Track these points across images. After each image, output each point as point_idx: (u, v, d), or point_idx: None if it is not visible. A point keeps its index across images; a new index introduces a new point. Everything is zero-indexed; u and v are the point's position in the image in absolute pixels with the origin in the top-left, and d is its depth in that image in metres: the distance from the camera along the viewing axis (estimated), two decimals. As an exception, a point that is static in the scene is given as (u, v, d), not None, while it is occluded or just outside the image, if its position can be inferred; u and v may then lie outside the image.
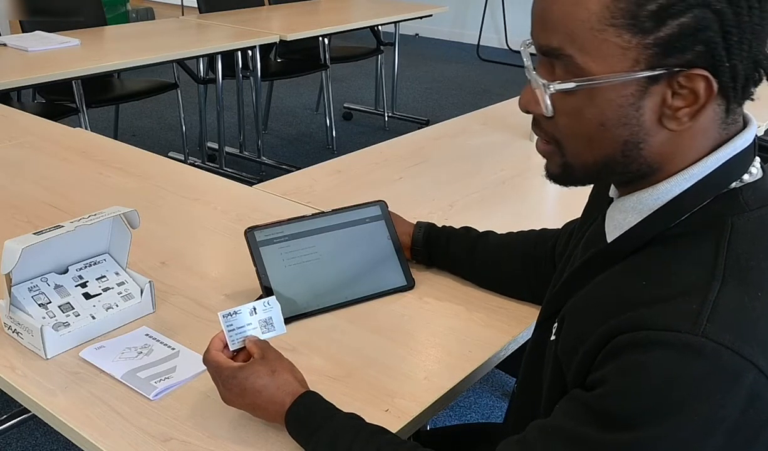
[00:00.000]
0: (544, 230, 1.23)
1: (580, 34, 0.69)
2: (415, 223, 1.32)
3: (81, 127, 3.00)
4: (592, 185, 0.95)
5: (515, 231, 1.26)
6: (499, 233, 1.27)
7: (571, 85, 0.71)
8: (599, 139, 0.73)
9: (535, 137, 0.81)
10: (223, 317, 0.95)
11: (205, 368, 1.05)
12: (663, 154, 0.73)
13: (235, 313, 0.96)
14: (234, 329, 0.95)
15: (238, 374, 0.92)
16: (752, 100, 0.73)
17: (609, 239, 0.80)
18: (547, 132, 0.78)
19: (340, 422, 0.89)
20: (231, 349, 0.96)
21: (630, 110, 0.71)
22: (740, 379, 0.62)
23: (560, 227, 1.19)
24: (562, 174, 0.79)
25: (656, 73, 0.68)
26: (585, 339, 0.72)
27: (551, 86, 0.73)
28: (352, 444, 0.85)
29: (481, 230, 1.28)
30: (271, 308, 0.98)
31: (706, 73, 0.68)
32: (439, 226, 1.30)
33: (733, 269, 0.68)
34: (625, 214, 0.78)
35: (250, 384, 0.91)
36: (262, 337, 0.97)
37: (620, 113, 0.71)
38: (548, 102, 0.74)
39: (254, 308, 0.97)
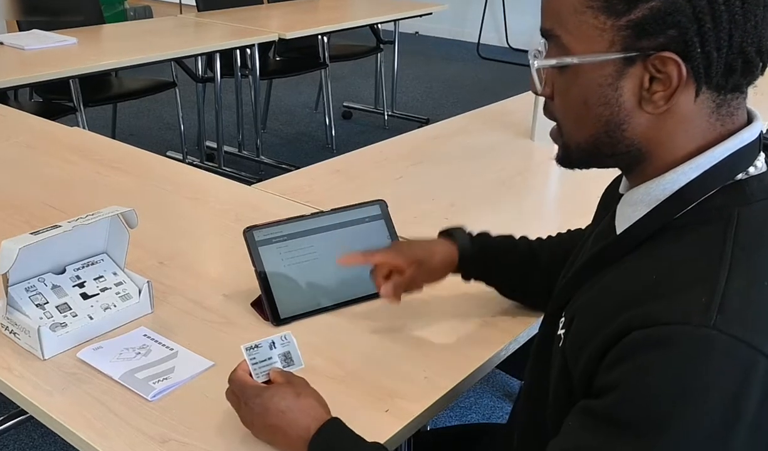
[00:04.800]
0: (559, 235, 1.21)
1: (566, 16, 0.75)
2: (439, 237, 1.19)
3: (78, 126, 3.00)
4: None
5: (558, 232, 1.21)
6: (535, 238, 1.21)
7: (552, 62, 0.77)
8: (584, 118, 0.77)
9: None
10: (247, 350, 0.95)
11: (204, 368, 1.06)
12: (649, 138, 0.75)
13: (257, 346, 0.96)
14: (257, 363, 0.95)
15: (263, 393, 0.91)
16: (741, 92, 0.74)
17: (618, 232, 0.81)
18: (551, 114, 0.83)
19: None
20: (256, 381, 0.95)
21: (609, 90, 0.74)
22: (753, 370, 0.63)
23: (562, 226, 1.19)
24: (563, 156, 0.83)
25: (630, 55, 0.72)
26: (594, 335, 0.72)
27: (535, 62, 0.80)
28: None
29: (484, 230, 1.26)
30: (288, 342, 0.98)
31: (675, 56, 0.70)
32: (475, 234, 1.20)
33: (740, 258, 0.68)
34: (633, 207, 0.79)
35: (274, 404, 0.90)
36: None
37: (600, 93, 0.75)
38: (535, 77, 0.81)
39: (273, 342, 0.97)
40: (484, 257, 1.17)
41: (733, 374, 0.63)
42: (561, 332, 0.82)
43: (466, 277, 1.19)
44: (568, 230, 1.20)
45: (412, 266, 1.13)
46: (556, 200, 1.78)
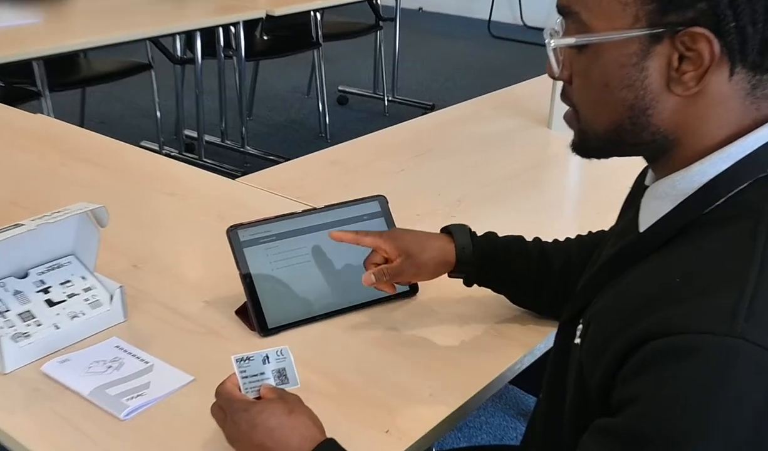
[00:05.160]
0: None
1: None
2: (441, 232, 1.20)
3: (43, 113, 3.00)
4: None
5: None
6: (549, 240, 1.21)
7: (571, 40, 0.78)
8: (605, 102, 0.78)
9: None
10: (237, 361, 0.95)
11: (183, 383, 1.06)
12: (678, 124, 0.76)
13: (249, 359, 0.96)
14: (248, 377, 0.95)
15: (251, 408, 0.91)
16: None
17: (641, 229, 0.81)
18: (569, 98, 0.83)
19: None
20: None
21: (633, 71, 0.75)
22: None
23: (583, 226, 1.19)
24: (580, 143, 0.84)
25: (656, 31, 0.72)
26: (612, 342, 0.72)
27: (552, 42, 0.80)
28: None
29: (490, 229, 1.26)
30: (284, 358, 0.98)
31: (706, 32, 0.70)
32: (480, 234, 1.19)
33: None
34: (659, 201, 0.80)
35: (262, 420, 0.89)
36: None
37: (623, 74, 0.75)
38: (552, 59, 0.81)
39: (267, 356, 0.98)
40: (489, 261, 1.16)
41: (761, 388, 0.63)
42: (578, 340, 0.82)
43: (468, 282, 1.19)
44: (590, 232, 1.19)
45: (399, 256, 1.14)
46: (576, 196, 1.78)
